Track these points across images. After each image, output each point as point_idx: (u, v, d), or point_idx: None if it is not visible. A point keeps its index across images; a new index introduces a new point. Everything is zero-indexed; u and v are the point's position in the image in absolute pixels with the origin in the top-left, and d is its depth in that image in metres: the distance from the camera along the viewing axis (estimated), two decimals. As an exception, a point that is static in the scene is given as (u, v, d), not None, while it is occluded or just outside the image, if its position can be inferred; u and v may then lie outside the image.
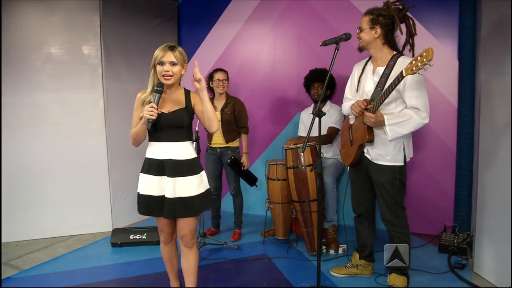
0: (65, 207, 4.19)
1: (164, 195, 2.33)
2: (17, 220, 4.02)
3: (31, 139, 4.07)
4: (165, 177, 2.34)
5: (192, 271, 2.49)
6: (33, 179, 4.08)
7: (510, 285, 2.59)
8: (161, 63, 2.29)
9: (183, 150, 2.38)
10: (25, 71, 4.02)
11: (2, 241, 3.91)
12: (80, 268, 3.37)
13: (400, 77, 2.38)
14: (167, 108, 2.36)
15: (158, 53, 2.29)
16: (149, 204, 2.38)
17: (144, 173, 2.39)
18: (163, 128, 2.34)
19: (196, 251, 2.51)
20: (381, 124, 2.58)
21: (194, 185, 2.37)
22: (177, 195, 2.32)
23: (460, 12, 3.75)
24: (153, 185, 2.36)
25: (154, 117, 2.22)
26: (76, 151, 4.20)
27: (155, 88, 2.29)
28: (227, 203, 4.32)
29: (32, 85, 4.05)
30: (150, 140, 2.41)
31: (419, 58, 2.24)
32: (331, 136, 3.83)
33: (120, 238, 3.81)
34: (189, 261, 2.48)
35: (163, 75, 2.29)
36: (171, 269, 2.66)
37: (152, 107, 2.22)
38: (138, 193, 2.41)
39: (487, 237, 2.94)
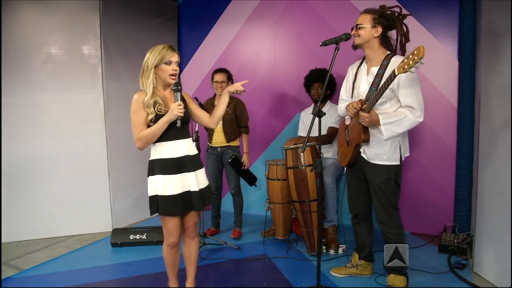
0: (65, 207, 4.19)
1: (186, 191, 2.44)
2: (17, 220, 4.02)
3: (31, 139, 4.07)
4: (186, 173, 2.44)
5: (193, 258, 2.68)
6: (33, 179, 4.08)
7: (510, 285, 2.59)
8: (169, 63, 2.37)
9: (192, 146, 2.53)
10: (25, 71, 4.03)
11: (2, 241, 3.91)
12: (80, 268, 3.37)
13: (392, 76, 2.39)
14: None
15: (165, 53, 2.36)
16: (174, 204, 2.40)
17: (160, 174, 2.39)
18: (174, 126, 2.38)
19: (198, 240, 2.72)
20: (376, 123, 2.59)
21: (204, 177, 2.57)
22: (199, 187, 2.48)
23: (460, 12, 3.75)
24: (173, 184, 2.40)
25: (182, 114, 2.33)
26: (76, 151, 4.20)
27: (174, 87, 2.38)
28: (227, 203, 4.32)
29: (32, 85, 4.06)
30: (159, 140, 2.41)
31: (410, 56, 2.25)
32: (331, 136, 3.83)
33: (120, 238, 3.81)
34: (191, 249, 2.66)
35: (171, 74, 2.39)
36: (173, 270, 2.67)
37: (180, 104, 2.32)
38: (158, 195, 2.40)
39: (487, 237, 2.94)
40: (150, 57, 2.36)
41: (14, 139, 4.00)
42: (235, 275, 3.18)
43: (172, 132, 2.40)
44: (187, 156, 2.44)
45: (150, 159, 2.45)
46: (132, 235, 3.84)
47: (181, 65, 5.29)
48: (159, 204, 2.39)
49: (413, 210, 3.97)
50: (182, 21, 5.27)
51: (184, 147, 2.45)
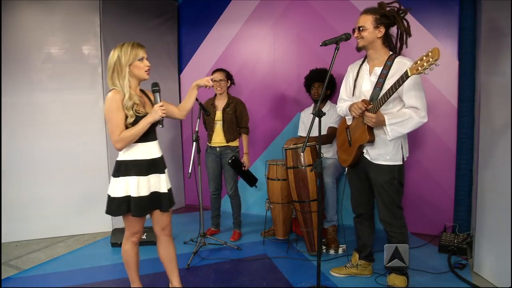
0: (65, 207, 4.20)
1: (154, 192, 2.46)
2: (17, 220, 4.02)
3: (31, 139, 4.07)
4: (157, 174, 2.48)
5: (174, 257, 2.68)
6: (33, 179, 4.08)
7: (510, 285, 2.59)
8: (142, 59, 2.39)
9: (159, 147, 2.55)
10: (25, 71, 4.03)
11: (2, 241, 3.91)
12: (80, 268, 3.38)
13: (405, 77, 2.37)
14: (147, 109, 2.46)
15: (137, 50, 2.36)
16: (145, 205, 2.42)
17: (135, 175, 2.38)
18: (150, 128, 2.41)
19: (172, 239, 2.70)
20: (381, 124, 2.58)
21: (168, 179, 2.57)
22: (167, 188, 2.52)
23: (460, 12, 3.75)
24: (143, 186, 2.41)
25: (165, 115, 2.40)
26: (76, 151, 4.20)
27: (154, 88, 2.43)
28: (227, 203, 4.31)
29: (32, 85, 4.06)
30: (136, 141, 2.40)
31: (424, 58, 2.23)
32: (331, 136, 3.83)
33: (120, 238, 3.80)
34: (170, 249, 2.67)
35: (146, 70, 2.41)
36: (137, 269, 2.66)
37: (162, 105, 2.37)
38: (131, 197, 2.38)
39: (487, 237, 2.94)
40: (123, 56, 2.32)
41: (14, 139, 4.00)
42: (235, 275, 3.18)
43: (149, 134, 2.42)
44: (159, 158, 2.50)
45: (122, 159, 2.41)
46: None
47: (181, 65, 5.29)
48: (132, 205, 2.38)
49: (413, 210, 3.97)
50: (182, 21, 5.26)
51: (156, 149, 2.50)
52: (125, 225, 2.52)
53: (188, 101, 2.70)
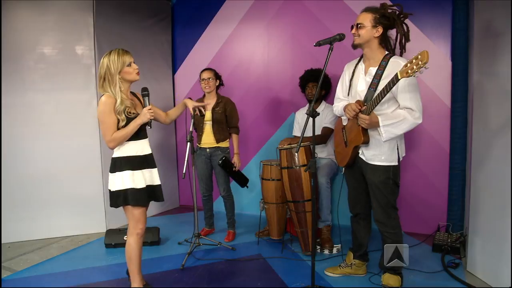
0: (58, 208, 4.17)
1: (149, 185, 2.66)
2: (10, 221, 3.99)
3: (24, 139, 4.04)
4: (150, 169, 2.69)
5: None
6: (26, 180, 4.05)
7: (502, 284, 2.60)
8: (130, 64, 2.55)
9: (149, 145, 2.74)
10: (18, 71, 4.00)
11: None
12: (74, 269, 3.35)
13: (395, 80, 2.37)
14: (138, 110, 2.63)
15: (125, 57, 2.51)
16: (143, 196, 2.61)
17: (129, 170, 2.57)
18: (141, 127, 2.60)
19: None
20: (375, 125, 2.58)
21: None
22: (160, 181, 2.75)
23: (453, 12, 3.78)
24: (140, 179, 2.61)
25: (154, 117, 2.60)
26: (69, 152, 4.18)
27: (144, 92, 2.63)
28: (220, 203, 4.31)
29: (25, 85, 4.03)
30: (129, 139, 2.59)
31: (414, 61, 2.23)
32: (325, 136, 3.83)
33: (114, 239, 3.79)
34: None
35: (137, 73, 2.59)
36: (139, 265, 2.70)
37: (150, 109, 2.56)
38: (129, 189, 2.56)
39: (480, 237, 2.96)
40: (112, 65, 2.48)
41: (7, 139, 3.97)
42: (230, 276, 3.17)
43: (140, 132, 2.62)
44: (150, 154, 2.72)
45: (117, 156, 2.60)
46: (126, 236, 3.81)
47: (175, 65, 5.28)
48: (129, 196, 2.55)
49: (407, 210, 3.99)
50: (176, 21, 5.26)
51: (147, 146, 2.70)
52: (127, 218, 2.65)
53: (176, 112, 2.99)
